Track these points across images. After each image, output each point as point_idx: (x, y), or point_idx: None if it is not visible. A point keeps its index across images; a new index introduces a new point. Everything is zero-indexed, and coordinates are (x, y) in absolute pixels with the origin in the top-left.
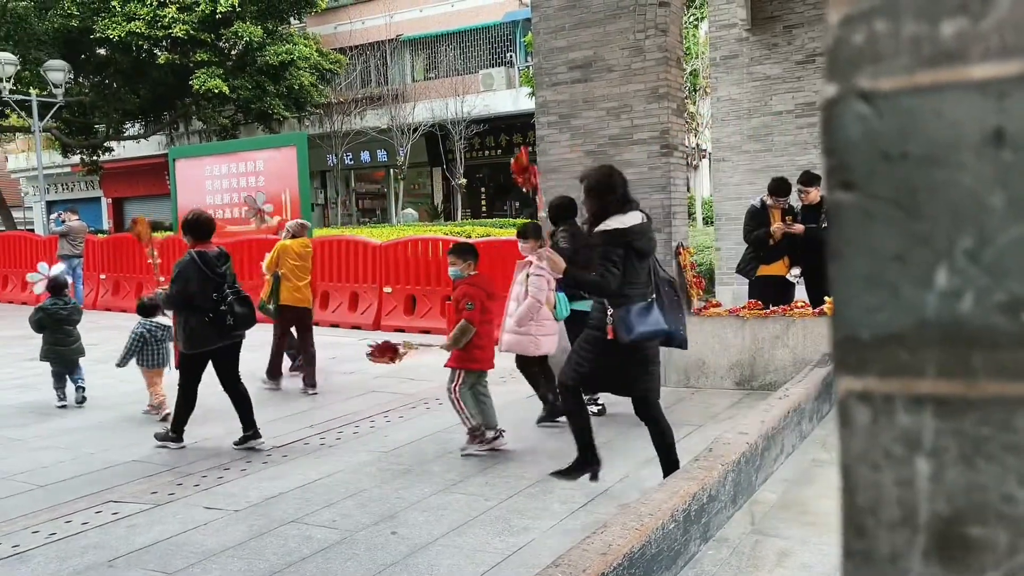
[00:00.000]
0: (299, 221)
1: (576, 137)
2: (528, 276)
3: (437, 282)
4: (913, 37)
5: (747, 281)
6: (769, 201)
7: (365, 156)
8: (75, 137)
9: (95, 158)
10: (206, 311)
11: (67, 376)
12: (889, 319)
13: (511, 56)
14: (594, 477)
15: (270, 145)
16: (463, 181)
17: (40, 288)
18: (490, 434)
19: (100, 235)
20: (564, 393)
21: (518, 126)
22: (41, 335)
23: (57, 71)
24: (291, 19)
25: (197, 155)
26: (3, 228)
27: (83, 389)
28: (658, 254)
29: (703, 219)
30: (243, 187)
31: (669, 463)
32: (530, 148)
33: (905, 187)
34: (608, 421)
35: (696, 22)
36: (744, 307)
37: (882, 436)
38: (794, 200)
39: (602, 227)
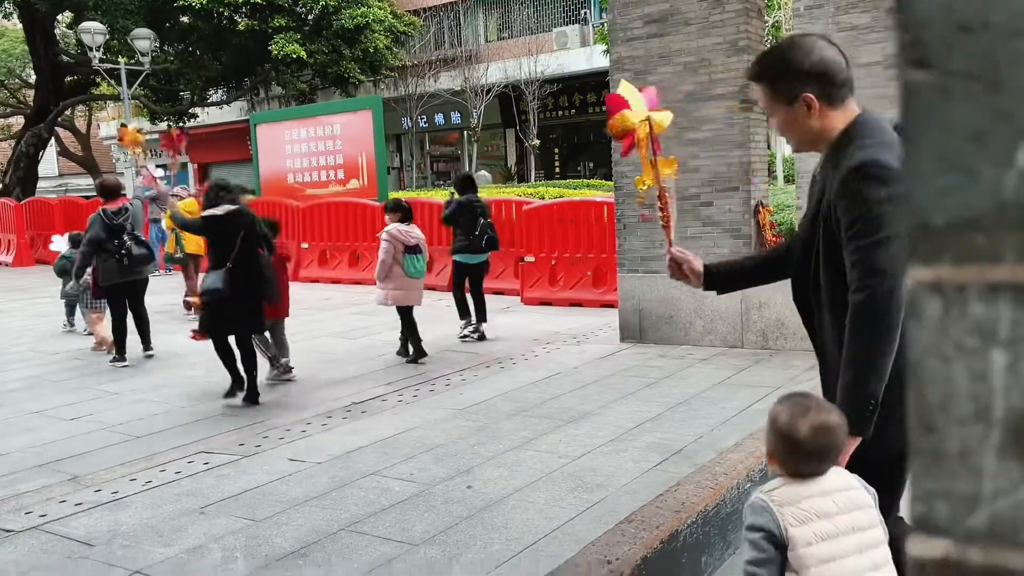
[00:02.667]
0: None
1: None
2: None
3: (511, 243)
4: None
5: None
6: None
7: (439, 118)
8: (162, 104)
9: (181, 124)
10: (111, 253)
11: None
12: (965, 203)
13: (585, 13)
14: (231, 395)
15: (346, 109)
16: (536, 142)
17: (64, 248)
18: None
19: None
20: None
21: (592, 85)
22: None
23: (143, 39)
24: None
25: (277, 120)
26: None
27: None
28: (735, 212)
29: (784, 177)
30: (321, 151)
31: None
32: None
33: (985, 60)
34: (686, 381)
35: None
36: None
37: (954, 328)
38: None
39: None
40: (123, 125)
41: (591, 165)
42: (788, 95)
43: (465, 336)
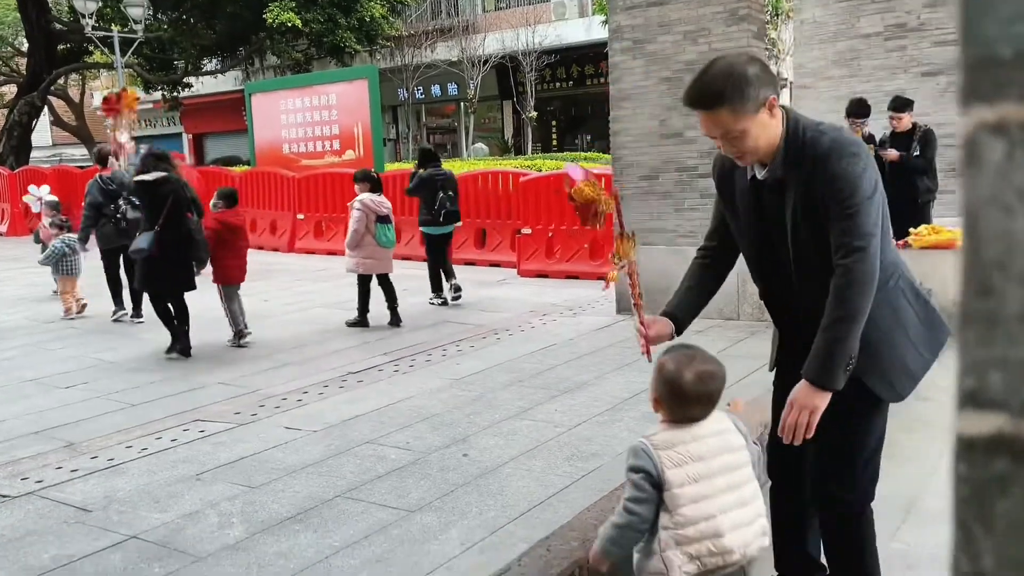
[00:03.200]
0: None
1: (651, 63)
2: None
3: (507, 215)
4: None
5: None
6: (847, 125)
7: (436, 90)
8: (155, 73)
9: (175, 94)
10: (108, 217)
11: None
12: None
13: None
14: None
15: (342, 78)
16: (534, 114)
17: (37, 207)
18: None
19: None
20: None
21: (590, 56)
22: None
23: (136, 7)
24: None
25: (272, 90)
26: (91, 164)
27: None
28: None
29: None
30: (317, 121)
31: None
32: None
33: None
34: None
35: None
36: None
37: (1018, 174)
38: (880, 128)
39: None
40: (106, 98)
41: (589, 138)
42: (756, 104)
43: (444, 302)
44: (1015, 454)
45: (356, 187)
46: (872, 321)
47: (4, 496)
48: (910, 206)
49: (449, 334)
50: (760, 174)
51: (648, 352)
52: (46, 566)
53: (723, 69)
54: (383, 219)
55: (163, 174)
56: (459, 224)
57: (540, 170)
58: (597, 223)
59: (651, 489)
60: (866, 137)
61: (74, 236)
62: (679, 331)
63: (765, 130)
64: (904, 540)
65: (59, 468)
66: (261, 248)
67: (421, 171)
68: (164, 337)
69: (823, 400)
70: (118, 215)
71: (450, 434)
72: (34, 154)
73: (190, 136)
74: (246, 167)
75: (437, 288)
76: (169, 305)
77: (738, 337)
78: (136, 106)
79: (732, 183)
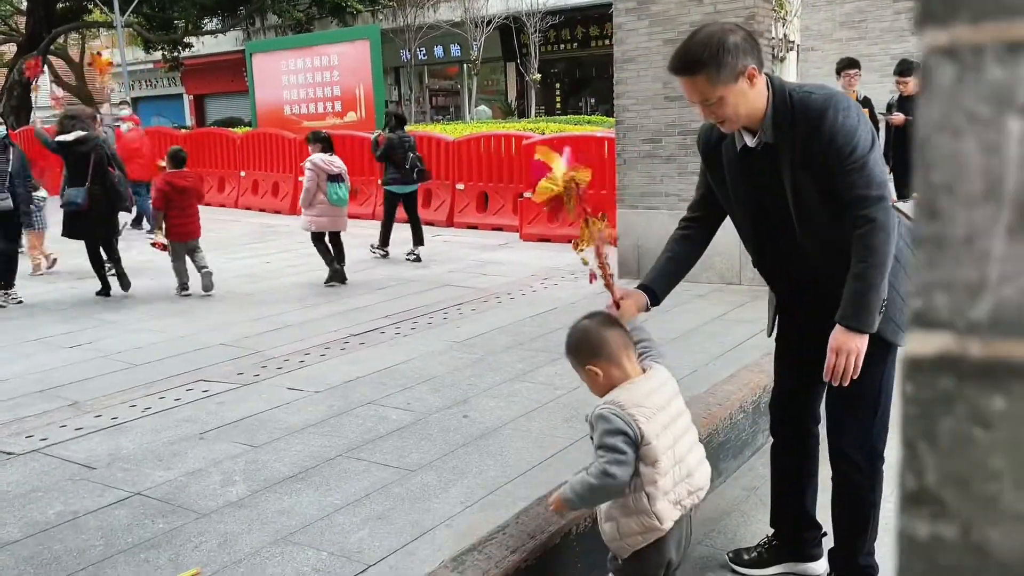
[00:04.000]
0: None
1: (655, 24)
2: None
3: (510, 179)
4: None
5: None
6: (840, 82)
7: (439, 51)
8: (155, 32)
9: (175, 54)
10: None
11: None
12: None
13: None
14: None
15: (344, 38)
16: (537, 76)
17: None
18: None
19: (183, 131)
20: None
21: (595, 18)
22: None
23: None
24: None
25: (273, 50)
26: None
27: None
28: None
29: None
30: (319, 82)
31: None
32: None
33: None
34: (683, 317)
35: None
36: None
37: (967, 96)
38: (887, 92)
39: None
40: (97, 53)
41: (592, 101)
42: (733, 73)
43: (386, 255)
44: (959, 373)
45: (309, 148)
46: None
47: (9, 453)
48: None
49: (450, 297)
50: (750, 142)
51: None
52: (51, 521)
53: (704, 37)
54: (334, 178)
55: (82, 133)
56: (426, 181)
57: (543, 133)
58: (569, 214)
59: (631, 451)
60: (861, 100)
61: (39, 194)
62: (655, 303)
63: (745, 98)
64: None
65: (63, 426)
66: (263, 211)
67: (390, 135)
68: (162, 300)
69: (862, 342)
70: None
71: (451, 395)
72: (34, 114)
73: (191, 97)
74: (247, 128)
75: (385, 242)
76: (101, 251)
77: (739, 301)
78: (109, 70)
79: (719, 154)
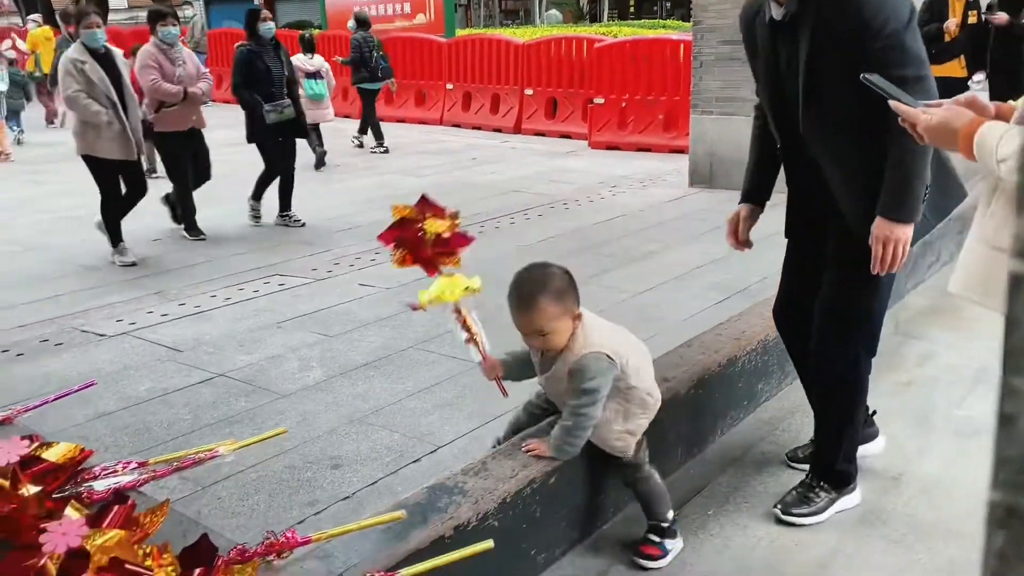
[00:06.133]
0: None
1: None
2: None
3: (580, 84)
4: None
5: None
6: None
7: None
8: None
9: None
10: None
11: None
12: None
13: None
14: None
15: None
16: None
17: None
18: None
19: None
20: None
21: None
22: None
23: None
24: None
25: None
26: None
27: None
28: None
29: None
30: None
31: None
32: None
33: None
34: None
35: None
36: None
37: None
38: None
39: None
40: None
41: (668, 5)
42: None
43: (386, 150)
44: None
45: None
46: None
47: (102, 335)
48: (1014, 76)
49: (517, 203)
50: (776, 14)
51: (502, 388)
52: (143, 396)
53: None
54: (311, 75)
55: None
56: (391, 80)
57: (615, 37)
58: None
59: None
60: (970, 3)
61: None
62: (762, 207)
63: None
64: (970, 408)
65: (150, 312)
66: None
67: (355, 36)
68: (232, 199)
69: (904, 231)
70: None
71: None
72: (111, 17)
73: (260, 0)
74: (317, 31)
75: (379, 136)
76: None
77: None
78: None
79: (755, 32)
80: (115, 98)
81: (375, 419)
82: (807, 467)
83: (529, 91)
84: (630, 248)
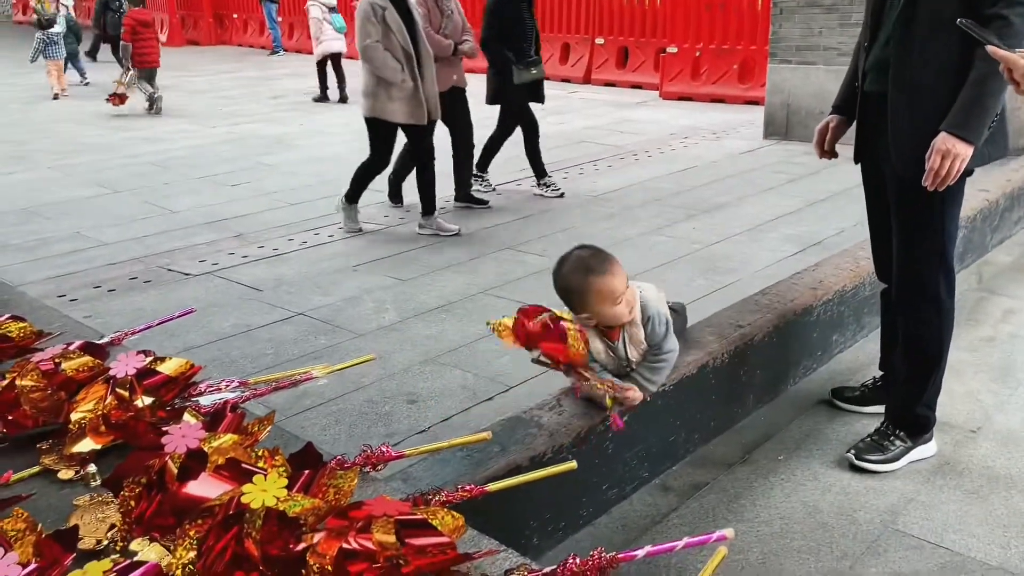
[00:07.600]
0: None
1: None
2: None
3: (652, 33)
4: None
5: None
6: None
7: None
8: None
9: None
10: (114, 11)
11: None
12: None
13: None
14: None
15: None
16: None
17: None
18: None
19: None
20: None
21: None
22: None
23: None
24: None
25: None
26: None
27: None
28: None
29: None
30: None
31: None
32: None
33: None
34: (831, 179)
35: None
36: None
37: None
38: None
39: None
40: None
41: None
42: None
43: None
44: None
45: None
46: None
47: (187, 274)
48: None
49: (587, 154)
50: None
51: (618, 421)
52: (227, 332)
53: None
54: (333, 9)
55: None
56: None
57: None
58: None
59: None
60: None
61: (55, 30)
62: (851, 121)
63: None
64: None
65: (231, 254)
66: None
67: None
68: (312, 146)
69: (965, 150)
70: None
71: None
72: None
73: None
74: None
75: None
76: None
77: None
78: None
79: None
80: (411, 50)
81: (448, 359)
82: (852, 407)
83: (600, 40)
84: (702, 199)
